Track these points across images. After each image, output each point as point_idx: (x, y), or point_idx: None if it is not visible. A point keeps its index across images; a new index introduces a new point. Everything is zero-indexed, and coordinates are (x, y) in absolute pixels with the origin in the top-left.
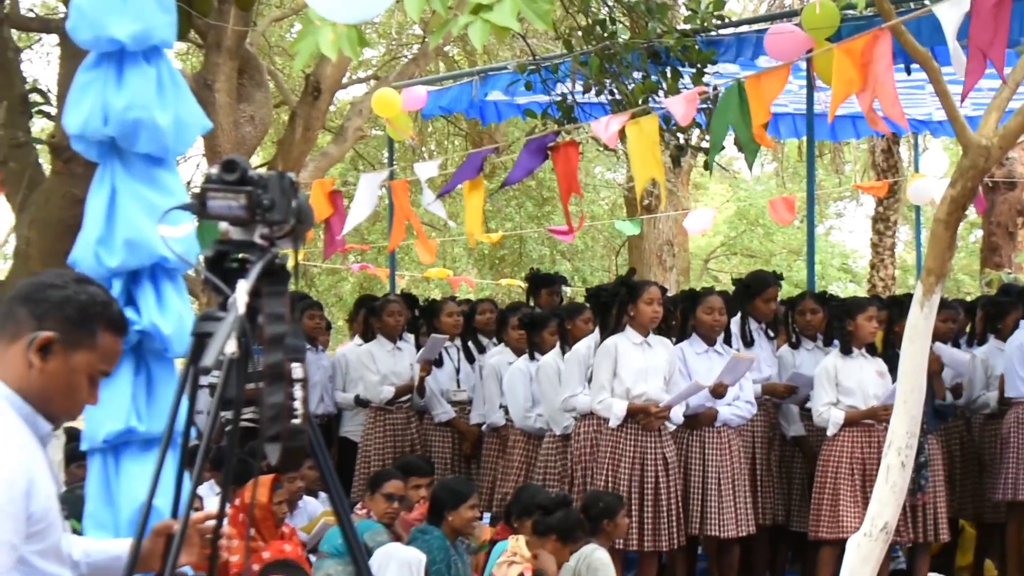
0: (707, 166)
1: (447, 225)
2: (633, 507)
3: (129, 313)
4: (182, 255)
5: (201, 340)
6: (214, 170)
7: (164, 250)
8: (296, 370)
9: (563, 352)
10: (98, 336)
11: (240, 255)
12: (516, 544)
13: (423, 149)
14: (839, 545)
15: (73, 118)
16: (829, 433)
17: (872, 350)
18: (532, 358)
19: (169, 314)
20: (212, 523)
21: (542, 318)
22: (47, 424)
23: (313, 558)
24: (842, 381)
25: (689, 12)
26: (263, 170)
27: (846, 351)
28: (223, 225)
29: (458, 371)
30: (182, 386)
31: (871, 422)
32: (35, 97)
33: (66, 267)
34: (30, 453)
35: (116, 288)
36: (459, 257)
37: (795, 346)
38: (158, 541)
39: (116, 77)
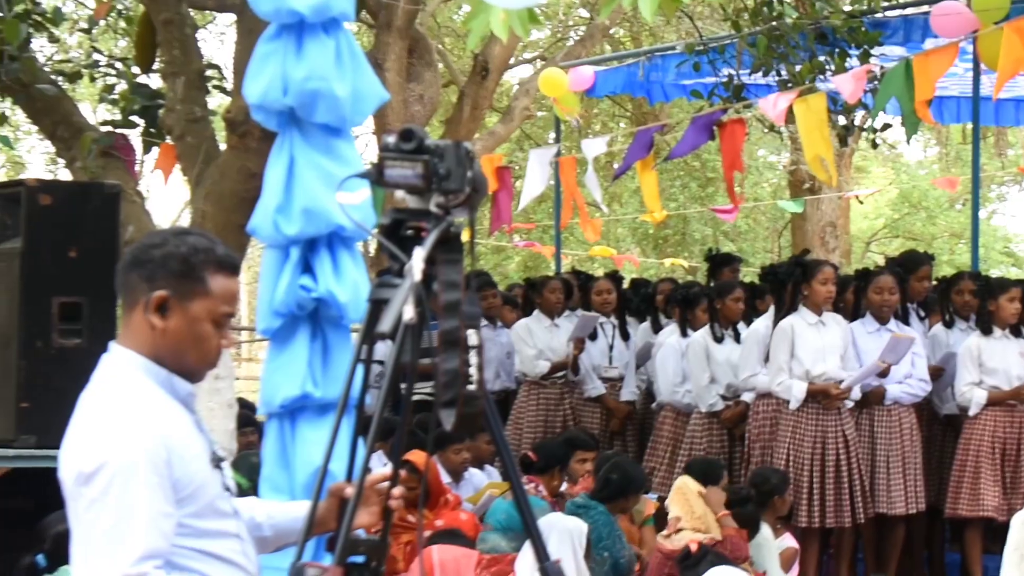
0: (875, 145)
1: (608, 205)
2: (815, 486)
3: (306, 280)
4: (359, 223)
5: (377, 306)
6: (391, 139)
7: (341, 218)
8: (472, 337)
9: (712, 330)
10: (208, 281)
11: (415, 223)
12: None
13: (589, 130)
14: (981, 523)
15: (253, 88)
16: (971, 413)
17: (1016, 331)
18: (684, 335)
19: (345, 282)
20: (387, 484)
21: (695, 296)
22: (186, 384)
23: None
24: (985, 362)
25: None
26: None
27: (987, 331)
28: (399, 194)
29: (611, 348)
30: (358, 353)
31: (1013, 402)
32: (211, 73)
33: (242, 239)
34: (169, 419)
35: (294, 256)
36: (623, 237)
37: (949, 325)
38: (332, 502)
39: (296, 48)
